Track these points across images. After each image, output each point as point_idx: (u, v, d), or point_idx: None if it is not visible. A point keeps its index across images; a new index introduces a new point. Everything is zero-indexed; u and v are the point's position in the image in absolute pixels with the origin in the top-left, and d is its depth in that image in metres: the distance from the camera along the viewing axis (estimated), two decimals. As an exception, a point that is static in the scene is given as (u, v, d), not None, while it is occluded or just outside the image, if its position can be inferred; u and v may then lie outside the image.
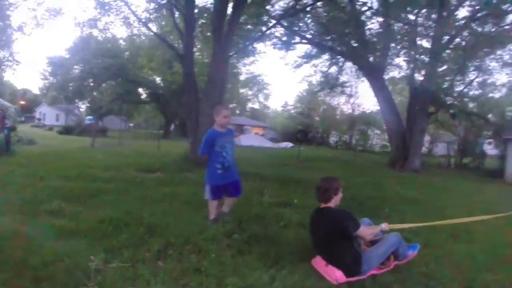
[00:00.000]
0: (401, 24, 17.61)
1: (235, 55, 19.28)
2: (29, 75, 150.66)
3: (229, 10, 13.33)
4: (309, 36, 20.22)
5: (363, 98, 45.12)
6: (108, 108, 38.54)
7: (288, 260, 3.99)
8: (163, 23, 20.11)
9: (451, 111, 21.29)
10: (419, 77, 18.79)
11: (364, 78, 23.23)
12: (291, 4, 16.74)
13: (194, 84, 14.02)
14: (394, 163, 18.92)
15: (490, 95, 24.91)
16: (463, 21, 17.29)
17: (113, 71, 30.38)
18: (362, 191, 9.39)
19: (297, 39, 20.35)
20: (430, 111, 20.43)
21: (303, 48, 25.65)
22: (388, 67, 21.20)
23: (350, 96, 40.75)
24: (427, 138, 34.73)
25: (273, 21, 17.20)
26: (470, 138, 28.08)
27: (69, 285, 3.14)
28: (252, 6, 15.63)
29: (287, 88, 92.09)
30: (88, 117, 46.34)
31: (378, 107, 25.25)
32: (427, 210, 7.85)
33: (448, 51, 18.16)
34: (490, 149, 29.41)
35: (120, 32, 72.54)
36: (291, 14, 16.87)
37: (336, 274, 3.56)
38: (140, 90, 40.56)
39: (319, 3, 16.67)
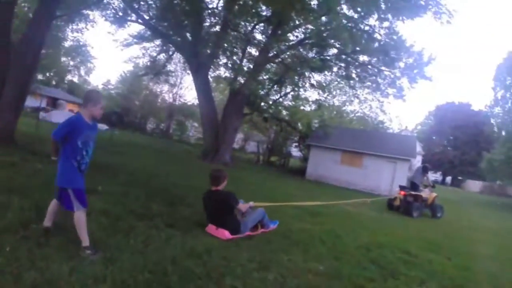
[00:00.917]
0: (236, 33, 18.70)
1: (63, 17, 17.00)
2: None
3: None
4: (146, 17, 19.53)
5: (186, 90, 45.68)
6: None
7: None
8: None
9: (265, 115, 23.67)
10: (241, 80, 19.93)
11: (189, 71, 23.57)
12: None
13: (7, 35, 11.02)
14: (206, 155, 19.77)
15: (302, 107, 28.41)
16: (292, 42, 19.66)
17: None
18: (169, 179, 9.63)
19: (134, 17, 19.47)
20: (245, 112, 22.18)
21: (136, 28, 24.44)
22: (215, 66, 22.09)
23: (173, 85, 40.92)
24: (241, 135, 37.62)
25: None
26: (279, 140, 31.84)
27: None
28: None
29: (112, 66, 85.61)
30: None
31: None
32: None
33: (273, 64, 20.24)
34: (295, 151, 34.15)
35: None
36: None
37: (225, 234, 5.37)
38: None
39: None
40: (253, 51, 21.29)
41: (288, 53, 20.11)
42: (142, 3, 18.68)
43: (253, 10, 17.58)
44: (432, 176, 61.90)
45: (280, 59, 19.98)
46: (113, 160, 11.72)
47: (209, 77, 21.77)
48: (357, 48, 18.09)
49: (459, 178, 57.00)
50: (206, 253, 4.43)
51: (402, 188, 14.22)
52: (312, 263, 4.84)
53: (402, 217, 12.58)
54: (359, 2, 14.05)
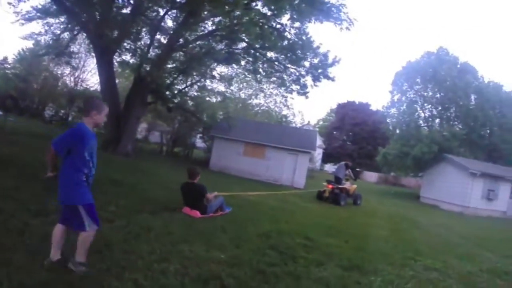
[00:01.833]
0: (145, 17, 18.00)
1: None
2: None
3: None
4: (55, -10, 17.60)
5: (89, 75, 42.39)
6: None
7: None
8: None
9: (169, 105, 23.14)
10: (147, 67, 19.10)
11: (94, 54, 22.08)
12: None
13: None
14: (107, 146, 18.63)
15: (207, 98, 28.36)
16: (202, 33, 19.43)
17: None
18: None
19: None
20: (149, 101, 21.51)
21: (40, 0, 21.93)
22: (121, 50, 21.02)
23: (75, 68, 37.85)
24: (145, 125, 36.39)
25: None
26: (183, 131, 31.39)
27: None
28: None
29: (11, 42, 74.33)
30: None
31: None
32: (130, 191, 8.53)
33: (181, 52, 19.80)
34: (199, 142, 33.99)
35: None
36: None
37: (197, 213, 7.38)
38: None
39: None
40: (162, 39, 20.74)
41: (197, 43, 19.95)
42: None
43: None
44: (333, 167, 66.35)
45: (186, 49, 19.70)
46: (4, 151, 10.71)
47: (114, 61, 20.61)
48: (266, 44, 18.57)
49: (357, 169, 61.64)
50: (106, 248, 4.35)
51: (329, 182, 16.73)
52: (214, 252, 4.99)
53: (305, 205, 13.62)
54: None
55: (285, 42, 18.87)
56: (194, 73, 22.38)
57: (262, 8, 17.38)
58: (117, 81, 23.18)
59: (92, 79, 41.99)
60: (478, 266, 7.15)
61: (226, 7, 15.02)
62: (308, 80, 21.18)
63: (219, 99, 28.00)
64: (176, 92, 23.66)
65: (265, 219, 8.72)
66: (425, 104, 37.94)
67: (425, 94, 37.65)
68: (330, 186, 16.42)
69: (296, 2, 16.05)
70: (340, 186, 16.40)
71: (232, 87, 30.32)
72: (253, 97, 42.44)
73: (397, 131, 38.63)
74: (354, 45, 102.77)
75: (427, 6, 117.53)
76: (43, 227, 4.62)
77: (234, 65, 23.22)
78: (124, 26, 17.13)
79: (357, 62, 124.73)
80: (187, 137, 32.61)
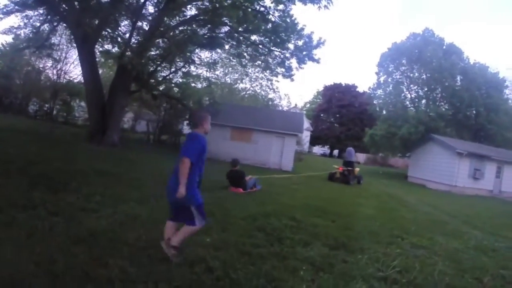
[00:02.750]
0: (125, 4, 17.66)
1: None
2: None
3: None
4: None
5: (72, 66, 41.13)
6: None
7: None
8: None
9: (154, 92, 22.92)
10: (130, 55, 18.98)
11: (75, 45, 21.66)
12: None
13: None
14: (93, 137, 18.51)
15: (193, 84, 28.11)
16: (184, 18, 19.17)
17: None
18: (52, 166, 9.10)
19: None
20: (133, 89, 21.27)
21: None
22: (104, 39, 20.66)
23: (57, 60, 37.09)
24: (131, 115, 36.06)
25: None
26: (170, 118, 31.18)
27: None
28: None
29: None
30: None
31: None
32: (118, 181, 8.51)
33: (163, 39, 19.53)
34: (186, 129, 33.84)
35: None
36: None
37: (240, 190, 10.55)
38: None
39: None
40: (144, 25, 20.42)
41: (180, 28, 19.69)
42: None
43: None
44: (321, 149, 66.74)
45: (168, 35, 19.39)
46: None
47: (96, 51, 20.27)
48: (249, 28, 18.42)
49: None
50: (91, 237, 4.37)
51: (342, 164, 20.39)
52: (200, 236, 5.00)
53: (293, 187, 13.71)
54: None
55: (269, 25, 18.68)
56: (178, 59, 22.13)
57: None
58: (100, 71, 22.87)
59: (75, 71, 41.09)
60: (465, 243, 7.30)
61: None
62: (293, 62, 21.22)
63: (204, 84, 27.81)
64: (160, 79, 23.47)
65: (251, 202, 8.80)
66: (411, 85, 38.28)
67: (411, 75, 37.94)
68: (341, 169, 19.77)
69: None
70: (348, 168, 19.53)
71: (217, 72, 30.13)
72: (238, 81, 42.38)
73: (384, 112, 39.04)
74: (340, 27, 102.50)
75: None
76: (30, 220, 4.64)
77: (218, 50, 23.11)
78: (103, 14, 16.80)
79: (343, 44, 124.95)
80: (173, 125, 32.41)
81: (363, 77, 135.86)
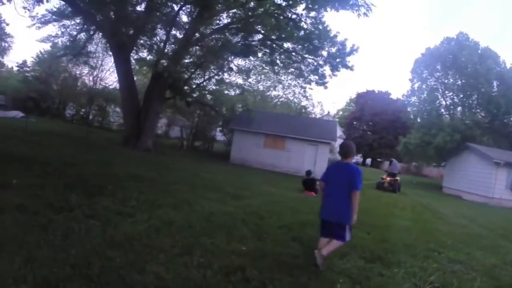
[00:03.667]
0: (160, 13, 18.03)
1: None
2: None
3: None
4: (68, -8, 17.78)
5: (107, 73, 42.21)
6: None
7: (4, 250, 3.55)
8: None
9: (188, 99, 23.23)
10: (164, 63, 19.19)
11: (111, 53, 22.32)
12: None
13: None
14: (127, 142, 18.94)
15: (226, 92, 28.36)
16: (218, 26, 19.47)
17: None
18: (88, 169, 9.30)
19: (54, -9, 17.78)
20: (167, 96, 21.60)
21: (55, 3, 22.19)
22: (138, 47, 21.20)
23: (93, 68, 38.36)
24: (165, 121, 36.69)
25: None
26: (203, 125, 31.54)
27: None
28: None
29: (28, 46, 76.36)
30: None
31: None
32: (152, 186, 8.50)
33: (196, 47, 19.82)
34: (219, 136, 34.11)
35: None
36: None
37: (313, 193, 13.17)
38: None
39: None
40: (178, 34, 20.82)
41: (213, 36, 19.90)
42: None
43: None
44: (355, 158, 65.68)
45: (202, 43, 19.66)
46: (28, 150, 10.95)
47: (131, 58, 20.80)
48: (282, 35, 18.40)
49: (378, 159, 60.82)
50: (127, 242, 4.35)
51: (387, 175, 21.91)
52: (236, 244, 4.94)
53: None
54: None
55: (302, 32, 18.63)
56: (211, 67, 22.40)
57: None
58: (135, 78, 23.40)
59: (110, 78, 42.26)
60: (502, 258, 6.92)
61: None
62: (327, 69, 21.12)
63: (237, 92, 27.98)
64: (194, 86, 23.87)
65: (286, 210, 8.64)
66: (446, 92, 37.11)
67: (446, 81, 36.81)
68: (388, 179, 21.26)
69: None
70: (394, 178, 21.28)
71: (250, 80, 30.21)
72: (271, 88, 42.37)
73: (418, 120, 37.97)
74: (373, 33, 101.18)
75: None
76: (66, 222, 4.66)
77: (251, 57, 23.21)
78: (139, 23, 17.20)
79: (376, 50, 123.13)
80: (207, 131, 32.78)
81: (397, 84, 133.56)
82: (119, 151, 16.76)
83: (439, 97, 37.21)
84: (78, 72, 41.41)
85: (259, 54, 22.46)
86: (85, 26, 21.04)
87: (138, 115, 19.54)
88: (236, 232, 5.74)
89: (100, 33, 21.54)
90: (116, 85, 36.98)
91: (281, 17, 17.24)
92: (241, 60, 23.87)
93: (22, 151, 10.42)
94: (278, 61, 22.38)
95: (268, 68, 25.68)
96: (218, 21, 20.03)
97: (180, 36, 20.22)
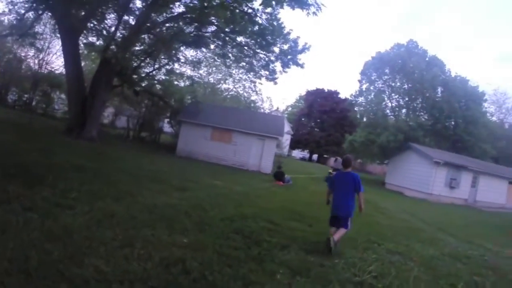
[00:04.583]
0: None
1: None
2: None
3: None
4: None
5: (54, 56, 39.52)
6: None
7: None
8: None
9: (136, 88, 22.63)
10: (114, 49, 18.42)
11: (59, 35, 21.16)
12: None
13: None
14: (71, 131, 18.18)
15: (176, 82, 27.88)
16: (172, 15, 18.96)
17: None
18: (29, 158, 8.91)
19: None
20: (115, 84, 20.94)
21: None
22: (88, 31, 20.28)
23: (40, 50, 36.12)
24: (111, 110, 35.44)
25: None
26: (151, 115, 30.79)
27: None
28: None
29: None
30: None
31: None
32: (95, 177, 8.34)
33: (148, 34, 19.32)
34: (167, 127, 33.45)
35: None
36: None
37: (280, 183, 17.35)
38: None
39: None
40: (131, 20, 20.11)
41: (166, 25, 19.50)
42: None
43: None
44: (300, 153, 67.16)
45: (154, 31, 19.21)
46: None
47: (79, 43, 19.90)
48: (236, 29, 18.40)
49: (325, 156, 62.51)
50: (66, 234, 4.28)
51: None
52: (177, 236, 5.00)
53: (271, 190, 13.71)
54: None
55: (256, 27, 18.71)
56: (162, 56, 21.96)
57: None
58: (83, 63, 22.45)
59: (57, 62, 39.97)
60: (440, 250, 7.46)
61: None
62: (278, 66, 21.29)
63: (187, 83, 27.62)
64: (143, 75, 23.22)
65: (230, 203, 8.77)
66: (393, 94, 39.03)
67: (393, 84, 38.66)
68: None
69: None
70: None
71: (200, 71, 29.92)
72: (222, 81, 42.20)
73: (364, 119, 39.57)
74: (326, 34, 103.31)
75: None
76: (3, 215, 4.53)
77: (203, 49, 22.99)
78: (91, 6, 16.51)
79: (328, 50, 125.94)
80: (154, 122, 31.97)
81: (346, 84, 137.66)
82: (62, 140, 16.07)
83: (386, 99, 39.04)
84: (23, 54, 38.65)
85: (212, 46, 22.31)
86: (34, 5, 19.66)
87: (83, 103, 18.74)
88: (178, 224, 5.78)
89: (50, 13, 20.35)
90: (62, 70, 34.90)
91: (237, 10, 17.19)
92: (193, 51, 23.59)
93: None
94: (230, 54, 22.34)
95: (219, 60, 25.61)
96: (172, 10, 19.63)
97: (132, 23, 19.64)
